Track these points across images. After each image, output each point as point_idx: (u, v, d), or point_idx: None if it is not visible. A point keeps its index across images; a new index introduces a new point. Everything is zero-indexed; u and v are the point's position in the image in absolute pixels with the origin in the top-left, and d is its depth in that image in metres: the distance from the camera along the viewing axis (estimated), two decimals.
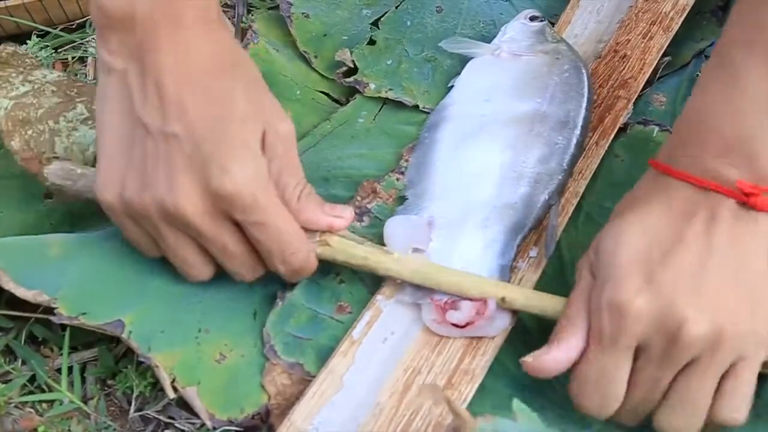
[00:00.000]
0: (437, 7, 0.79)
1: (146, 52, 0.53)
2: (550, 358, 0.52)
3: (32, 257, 0.61)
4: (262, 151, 0.55)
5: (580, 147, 0.66)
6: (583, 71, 0.71)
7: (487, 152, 0.65)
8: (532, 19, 0.76)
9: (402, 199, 0.65)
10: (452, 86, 0.72)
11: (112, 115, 0.55)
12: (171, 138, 0.53)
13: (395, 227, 0.60)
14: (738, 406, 0.50)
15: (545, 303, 0.56)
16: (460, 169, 0.65)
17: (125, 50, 0.54)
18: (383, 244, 0.59)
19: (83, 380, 0.60)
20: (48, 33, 0.82)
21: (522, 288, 0.58)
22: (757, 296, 0.50)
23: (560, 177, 0.64)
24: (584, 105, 0.68)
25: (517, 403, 0.50)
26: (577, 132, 0.66)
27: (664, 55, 0.76)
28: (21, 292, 0.58)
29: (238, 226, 0.54)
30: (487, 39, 0.75)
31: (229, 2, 0.84)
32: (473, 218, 0.62)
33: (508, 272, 0.59)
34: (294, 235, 0.55)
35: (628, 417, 0.52)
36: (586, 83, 0.70)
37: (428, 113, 0.71)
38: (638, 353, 0.50)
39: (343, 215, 0.58)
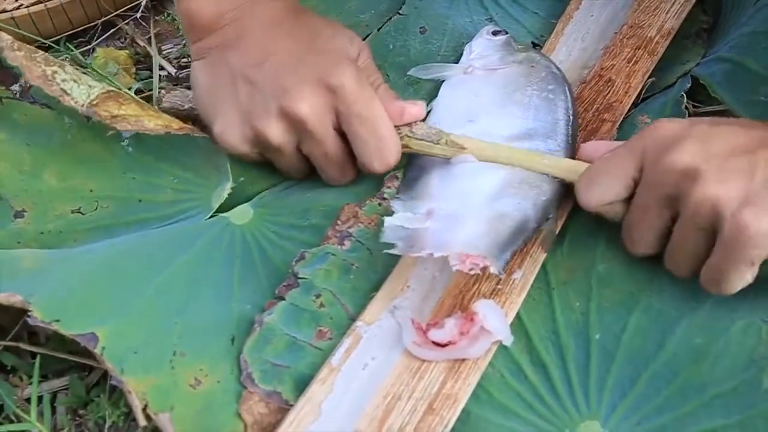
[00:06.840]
0: (421, 28, 0.78)
1: (237, 28, 0.66)
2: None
3: (3, 268, 0.59)
4: None
5: (573, 151, 0.66)
6: (560, 75, 0.71)
7: (480, 167, 0.64)
8: (495, 33, 0.75)
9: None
10: (430, 110, 0.69)
11: (208, 80, 0.67)
12: (271, 61, 0.64)
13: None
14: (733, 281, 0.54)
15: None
16: (456, 182, 0.63)
17: (217, 39, 0.66)
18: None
19: (53, 410, 0.58)
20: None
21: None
22: None
23: (556, 186, 0.63)
24: (569, 112, 0.68)
25: None
26: (567, 139, 0.66)
27: (650, 78, 0.75)
28: None
29: (340, 134, 0.64)
30: None
31: None
32: (472, 215, 0.60)
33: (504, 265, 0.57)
34: (386, 126, 0.63)
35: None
36: (566, 88, 0.69)
37: None
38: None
39: (416, 103, 0.65)
